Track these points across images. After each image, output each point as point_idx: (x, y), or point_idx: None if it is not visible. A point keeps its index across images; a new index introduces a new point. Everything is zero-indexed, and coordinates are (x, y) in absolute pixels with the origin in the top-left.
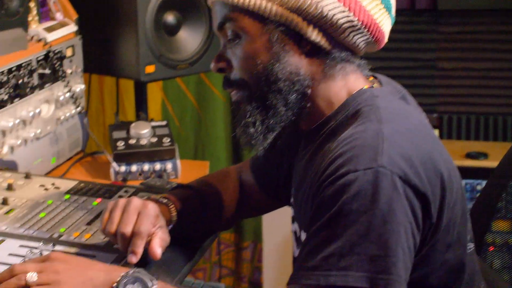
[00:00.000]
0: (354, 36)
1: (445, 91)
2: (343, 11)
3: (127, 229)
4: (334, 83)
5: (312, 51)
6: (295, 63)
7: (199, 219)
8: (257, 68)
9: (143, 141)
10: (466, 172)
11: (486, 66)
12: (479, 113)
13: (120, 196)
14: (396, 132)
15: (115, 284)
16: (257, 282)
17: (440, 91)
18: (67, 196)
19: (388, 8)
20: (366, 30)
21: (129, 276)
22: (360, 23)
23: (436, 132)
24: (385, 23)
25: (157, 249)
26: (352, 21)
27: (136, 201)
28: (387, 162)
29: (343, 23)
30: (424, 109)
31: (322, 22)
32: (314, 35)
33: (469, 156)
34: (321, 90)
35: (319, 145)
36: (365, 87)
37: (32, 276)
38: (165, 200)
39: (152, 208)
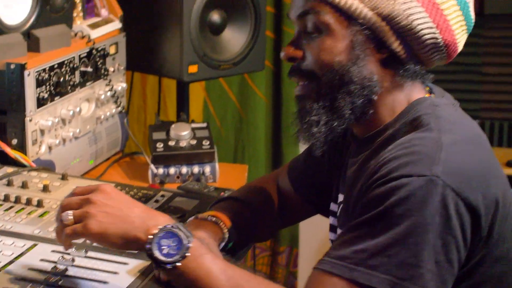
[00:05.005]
0: (433, 52)
1: (488, 97)
2: (431, 28)
3: None
4: (400, 93)
5: (389, 59)
6: (371, 68)
7: (248, 233)
8: (333, 67)
9: (183, 143)
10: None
11: None
12: None
13: (156, 201)
14: (455, 142)
15: (151, 236)
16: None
17: (484, 96)
18: None
19: (468, 30)
20: (446, 49)
21: (166, 230)
22: (443, 41)
23: None
24: (462, 43)
25: None
26: (436, 38)
27: None
28: (442, 172)
29: (428, 39)
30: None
31: (408, 34)
32: (396, 45)
33: (510, 164)
34: (387, 98)
35: (373, 151)
36: (426, 96)
37: (67, 216)
38: (214, 219)
39: None
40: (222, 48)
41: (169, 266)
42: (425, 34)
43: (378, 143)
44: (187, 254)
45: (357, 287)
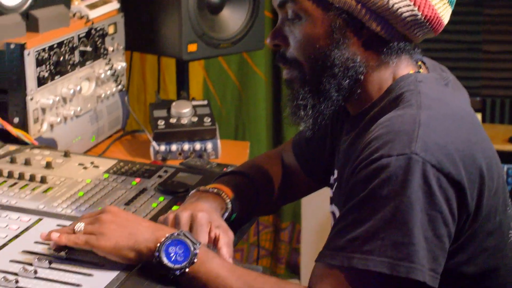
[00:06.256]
0: (415, 29)
1: (489, 74)
2: (409, 5)
3: None
4: (386, 70)
5: (371, 40)
6: (353, 50)
7: (251, 206)
8: (315, 52)
9: (184, 121)
10: (509, 157)
11: None
12: None
13: (159, 176)
14: (433, 118)
15: (158, 244)
16: (295, 264)
17: (484, 74)
18: (106, 175)
19: (451, 2)
20: (428, 23)
21: (173, 238)
22: (423, 17)
23: (479, 115)
24: (446, 16)
25: (229, 260)
26: (416, 15)
27: (185, 216)
28: (420, 149)
29: (407, 17)
30: (467, 92)
31: (386, 14)
32: (375, 26)
33: None
34: (373, 77)
35: (361, 129)
36: (411, 72)
37: (79, 226)
38: (215, 190)
39: (202, 217)
40: (221, 27)
41: (177, 273)
42: (404, 12)
43: (366, 121)
44: (195, 260)
45: (357, 273)
